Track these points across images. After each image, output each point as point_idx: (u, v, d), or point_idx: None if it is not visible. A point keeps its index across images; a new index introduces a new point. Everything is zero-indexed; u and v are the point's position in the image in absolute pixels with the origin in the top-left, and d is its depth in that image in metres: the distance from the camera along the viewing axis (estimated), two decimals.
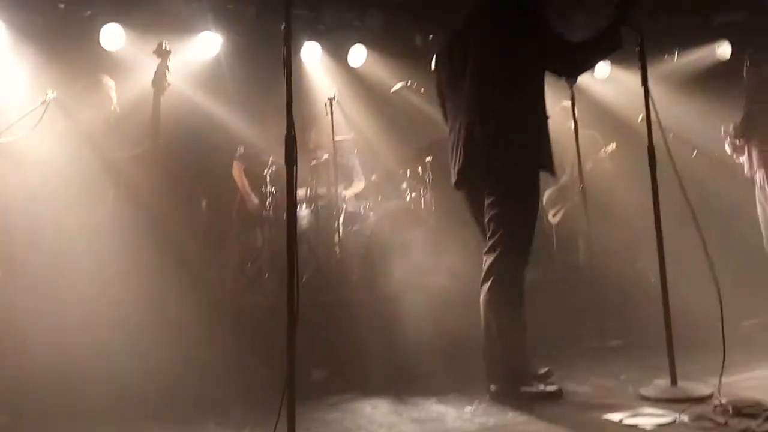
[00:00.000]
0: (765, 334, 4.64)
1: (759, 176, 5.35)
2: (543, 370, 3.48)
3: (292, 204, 2.70)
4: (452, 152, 3.56)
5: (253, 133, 6.31)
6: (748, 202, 5.55)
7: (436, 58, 3.79)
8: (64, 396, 3.66)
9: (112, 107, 5.13)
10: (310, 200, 5.92)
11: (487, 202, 3.43)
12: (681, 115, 6.64)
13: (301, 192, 5.75)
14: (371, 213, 5.98)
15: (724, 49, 7.35)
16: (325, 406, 3.53)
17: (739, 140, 5.43)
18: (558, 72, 3.61)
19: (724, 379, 3.07)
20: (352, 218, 5.94)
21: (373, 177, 6.37)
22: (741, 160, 5.53)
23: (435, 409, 3.36)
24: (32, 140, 4.63)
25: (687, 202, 3.35)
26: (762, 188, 5.34)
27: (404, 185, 6.05)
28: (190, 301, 4.36)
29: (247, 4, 6.21)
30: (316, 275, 5.43)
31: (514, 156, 3.37)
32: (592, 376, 3.77)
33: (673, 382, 3.28)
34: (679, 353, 3.31)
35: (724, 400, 2.87)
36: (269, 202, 5.81)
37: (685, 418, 2.82)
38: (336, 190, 5.83)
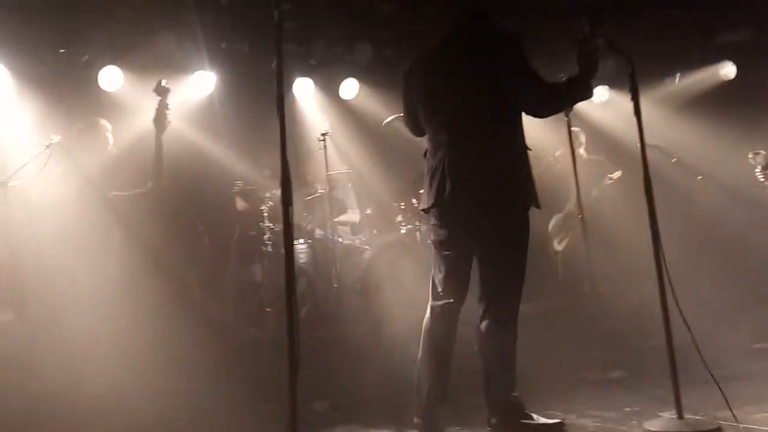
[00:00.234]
0: None
1: None
2: None
3: (289, 243, 2.77)
4: (439, 176, 3.38)
5: (248, 170, 6.42)
6: (760, 225, 5.56)
7: (410, 72, 3.62)
8: (74, 427, 3.77)
9: (109, 148, 5.25)
10: (307, 235, 6.01)
11: (485, 237, 3.35)
12: (685, 138, 6.74)
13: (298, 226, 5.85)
14: (367, 246, 6.08)
15: (728, 70, 7.33)
16: None
17: None
18: (531, 112, 3.52)
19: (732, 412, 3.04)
20: (348, 252, 6.02)
21: (368, 210, 6.45)
22: None
23: None
24: (39, 183, 4.74)
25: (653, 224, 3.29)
26: None
27: (399, 218, 6.09)
28: (193, 335, 4.44)
29: (240, 42, 6.32)
30: (315, 309, 5.50)
31: (518, 192, 3.39)
32: (594, 409, 3.70)
33: (680, 415, 3.17)
34: (683, 384, 3.19)
35: None
36: (267, 238, 5.88)
37: None
38: (331, 225, 5.91)
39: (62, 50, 5.72)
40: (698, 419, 3.18)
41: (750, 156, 5.70)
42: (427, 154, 3.50)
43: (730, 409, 3.09)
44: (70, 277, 4.54)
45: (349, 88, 7.01)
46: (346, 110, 7.09)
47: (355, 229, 6.45)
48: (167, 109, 4.74)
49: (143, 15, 5.57)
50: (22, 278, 4.75)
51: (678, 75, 7.55)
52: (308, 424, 3.31)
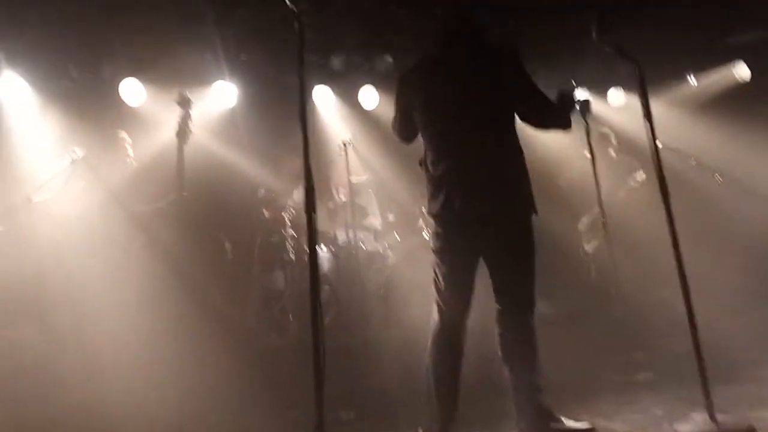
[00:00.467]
0: None
1: None
2: None
3: (313, 251, 2.78)
4: (442, 186, 3.39)
5: (270, 178, 6.47)
6: None
7: (407, 77, 3.62)
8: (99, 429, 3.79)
9: (129, 161, 5.30)
10: (330, 242, 6.03)
11: (490, 245, 3.37)
12: (703, 140, 6.70)
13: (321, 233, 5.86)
14: (390, 252, 6.08)
15: (742, 71, 7.30)
16: None
17: None
18: (533, 123, 3.55)
19: (762, 413, 3.01)
20: (371, 258, 6.03)
21: (390, 216, 6.47)
22: None
23: None
24: (63, 198, 4.82)
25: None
26: None
27: (420, 222, 6.13)
28: (216, 344, 4.47)
29: (260, 54, 6.37)
30: (339, 317, 5.51)
31: (519, 200, 3.41)
32: (623, 412, 3.64)
33: (711, 415, 3.11)
34: (712, 385, 3.14)
35: None
36: (290, 245, 5.91)
37: None
38: (354, 232, 5.93)
39: (83, 66, 5.78)
40: (730, 419, 3.13)
41: None
42: (426, 162, 3.49)
43: None
44: (94, 289, 4.60)
45: (369, 96, 7.04)
46: (365, 118, 7.13)
47: (377, 235, 6.46)
48: (189, 120, 4.78)
49: (163, 29, 5.62)
50: (47, 291, 4.83)
51: (691, 76, 7.51)
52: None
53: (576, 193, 6.50)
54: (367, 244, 6.22)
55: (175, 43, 5.82)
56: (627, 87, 7.50)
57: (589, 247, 6.69)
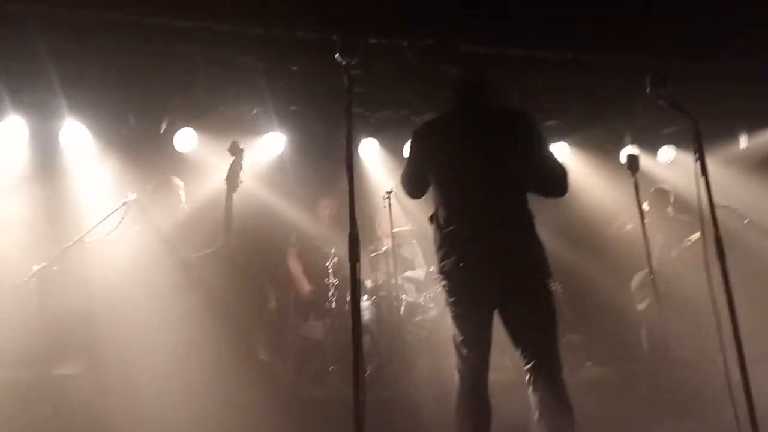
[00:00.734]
0: None
1: None
2: None
3: (355, 300, 2.80)
4: (455, 245, 3.39)
5: (315, 226, 6.54)
6: None
7: (424, 133, 3.64)
8: None
9: (181, 206, 5.42)
10: (372, 292, 6.03)
11: (515, 304, 3.35)
12: (758, 199, 6.60)
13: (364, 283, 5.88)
14: (432, 304, 6.06)
15: None
16: None
17: None
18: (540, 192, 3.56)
19: None
20: (413, 309, 6.01)
21: (432, 268, 6.45)
22: None
23: None
24: (114, 240, 4.94)
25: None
26: None
27: None
28: (258, 392, 4.48)
29: (309, 105, 6.51)
30: (379, 369, 5.47)
31: (541, 264, 3.41)
32: None
33: None
34: None
35: None
36: (332, 294, 5.92)
37: None
38: (396, 281, 5.93)
39: (140, 114, 5.99)
40: None
41: None
42: (438, 219, 3.49)
43: None
44: (140, 331, 4.67)
45: None
46: None
47: (420, 286, 6.45)
48: (240, 168, 4.88)
49: (218, 80, 5.81)
50: (95, 332, 4.92)
51: (742, 136, 7.42)
52: None
53: (628, 249, 6.43)
54: (409, 295, 6.20)
55: (229, 94, 6.01)
56: (677, 143, 7.45)
57: (641, 306, 6.54)
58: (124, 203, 5.19)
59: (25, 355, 4.78)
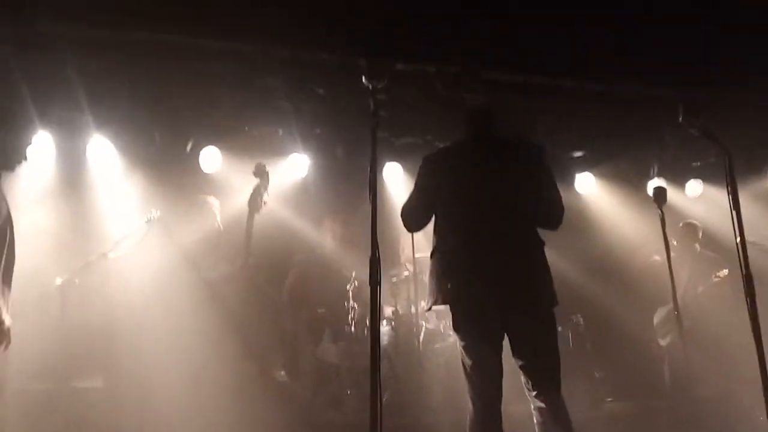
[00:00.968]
0: None
1: None
2: None
3: (375, 323, 2.78)
4: (462, 273, 3.41)
5: (336, 250, 6.53)
6: None
7: (433, 159, 3.69)
8: None
9: (217, 225, 5.44)
10: (391, 317, 5.99)
11: (528, 332, 3.39)
12: None
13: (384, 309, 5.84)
14: (451, 332, 5.98)
15: None
16: None
17: None
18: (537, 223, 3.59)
19: None
20: (432, 336, 5.95)
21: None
22: None
23: None
24: (136, 256, 4.98)
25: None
26: None
27: None
28: (274, 413, 4.47)
29: (334, 128, 6.53)
30: (397, 394, 5.41)
31: (548, 292, 3.44)
32: None
33: None
34: None
35: None
36: (351, 318, 5.89)
37: None
38: (416, 308, 5.89)
39: (168, 133, 6.04)
40: None
41: None
42: (440, 249, 3.49)
43: None
44: (159, 346, 4.69)
45: None
46: None
47: (440, 314, 6.39)
48: (265, 190, 4.89)
49: (244, 102, 5.86)
50: (114, 346, 4.94)
51: None
52: None
53: (653, 283, 6.37)
54: (429, 321, 6.15)
55: (254, 115, 6.06)
56: (704, 178, 7.37)
57: (663, 342, 6.44)
58: (148, 220, 5.25)
59: (44, 366, 4.81)
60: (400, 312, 6.02)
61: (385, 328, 5.97)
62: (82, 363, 4.96)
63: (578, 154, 7.03)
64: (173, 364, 4.57)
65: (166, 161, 6.18)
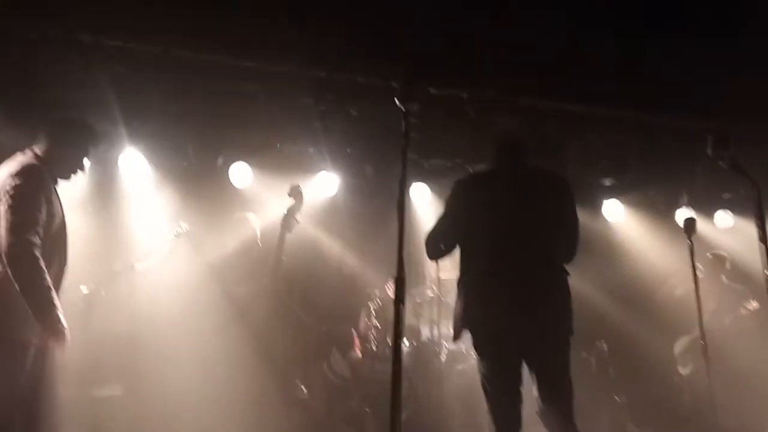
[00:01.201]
0: None
1: None
2: None
3: (397, 342, 2.79)
4: (491, 302, 3.47)
5: (361, 267, 6.56)
6: None
7: (465, 184, 3.73)
8: None
9: (257, 241, 5.48)
10: (413, 336, 5.99)
11: (544, 362, 3.49)
12: None
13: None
14: (473, 353, 5.96)
15: None
16: None
17: None
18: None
19: None
20: (454, 357, 5.94)
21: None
22: None
23: None
24: (164, 268, 5.04)
25: None
26: None
27: None
28: (293, 425, 4.47)
29: (365, 148, 6.59)
30: (416, 414, 5.40)
31: (559, 323, 3.51)
32: None
33: None
34: None
35: None
36: (373, 336, 5.91)
37: None
38: (439, 329, 5.88)
39: (200, 149, 6.13)
40: None
41: None
42: (467, 276, 3.54)
43: None
44: (182, 358, 4.73)
45: None
46: None
47: (463, 336, 6.37)
48: (298, 211, 4.93)
49: (276, 120, 5.93)
50: (138, 357, 4.99)
51: None
52: None
53: (678, 313, 6.31)
54: (450, 343, 6.14)
55: (286, 132, 6.13)
56: (733, 209, 7.31)
57: (684, 371, 6.38)
58: (177, 234, 5.31)
59: (66, 374, 4.87)
60: (423, 332, 6.00)
61: (407, 347, 5.97)
62: (104, 372, 5.02)
63: (608, 182, 7.00)
64: (194, 378, 4.62)
65: (197, 176, 6.25)
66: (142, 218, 5.96)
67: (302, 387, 5.06)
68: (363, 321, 6.24)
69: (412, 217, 6.99)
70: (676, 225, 6.57)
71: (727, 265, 6.54)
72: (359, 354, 6.05)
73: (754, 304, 6.17)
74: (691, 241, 4.97)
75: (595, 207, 7.16)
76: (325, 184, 6.69)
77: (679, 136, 6.24)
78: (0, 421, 3.10)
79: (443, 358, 5.83)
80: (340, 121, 5.99)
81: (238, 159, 6.37)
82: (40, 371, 3.27)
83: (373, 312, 6.01)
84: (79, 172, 3.62)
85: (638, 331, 6.84)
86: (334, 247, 6.70)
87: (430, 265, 6.20)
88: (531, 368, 3.48)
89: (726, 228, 7.33)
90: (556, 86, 5.59)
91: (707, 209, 7.35)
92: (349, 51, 5.00)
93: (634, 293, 7.09)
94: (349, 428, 5.53)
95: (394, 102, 2.89)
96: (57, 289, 3.32)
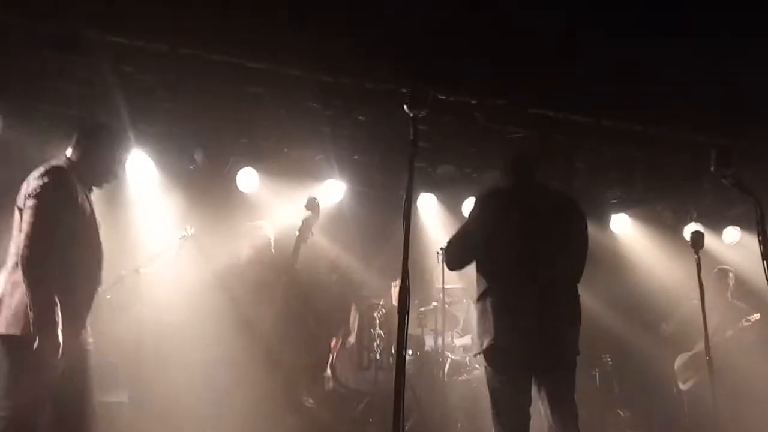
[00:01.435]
0: None
1: None
2: None
3: (401, 352, 2.76)
4: (505, 320, 3.49)
5: (366, 276, 6.53)
6: None
7: (489, 201, 3.71)
8: None
9: (270, 250, 5.46)
10: (416, 346, 5.96)
11: (557, 382, 3.55)
12: None
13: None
14: (477, 364, 5.94)
15: None
16: None
17: None
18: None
19: None
20: (457, 368, 5.91)
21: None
22: None
23: None
24: (169, 271, 5.02)
25: None
26: None
27: None
28: None
29: (372, 155, 6.56)
30: (419, 424, 5.37)
31: (571, 345, 3.59)
32: None
33: None
34: None
35: None
36: (377, 345, 5.88)
37: None
38: (443, 339, 5.85)
39: (207, 153, 6.10)
40: None
41: None
42: (490, 295, 3.52)
43: None
44: (186, 363, 4.71)
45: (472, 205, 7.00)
46: None
47: (466, 348, 6.34)
48: (315, 223, 4.92)
49: (284, 123, 5.92)
50: (142, 362, 4.97)
51: None
52: None
53: (682, 328, 6.30)
54: (454, 353, 6.11)
55: (294, 138, 6.11)
56: (742, 225, 7.27)
57: (684, 386, 6.36)
58: (182, 237, 5.29)
59: None
60: (426, 341, 5.97)
61: (410, 357, 5.94)
62: (108, 376, 4.99)
63: (615, 196, 6.97)
64: (198, 381, 4.60)
65: (204, 179, 6.21)
66: (148, 221, 5.94)
67: (307, 395, 5.03)
68: (350, 324, 6.21)
69: (418, 227, 6.97)
70: (684, 240, 6.54)
71: (731, 282, 6.51)
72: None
73: (755, 316, 6.17)
74: (698, 255, 4.94)
75: (603, 221, 7.13)
76: (332, 192, 6.66)
77: (687, 151, 6.21)
78: (27, 418, 3.07)
79: (447, 368, 5.79)
80: (348, 127, 5.97)
81: (246, 164, 6.35)
82: (74, 373, 3.23)
83: (378, 321, 5.98)
84: (112, 178, 3.60)
85: (643, 346, 6.81)
86: (339, 256, 6.66)
87: (435, 275, 6.16)
88: (542, 386, 3.53)
89: (733, 243, 7.28)
90: (566, 96, 5.58)
91: (716, 225, 7.31)
92: (357, 55, 4.99)
93: (640, 307, 7.05)
94: None
95: (403, 108, 2.87)
96: (84, 296, 3.28)
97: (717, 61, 5.06)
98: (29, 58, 5.02)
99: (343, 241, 6.69)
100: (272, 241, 5.44)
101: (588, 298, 3.70)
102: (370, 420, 5.51)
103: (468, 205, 6.99)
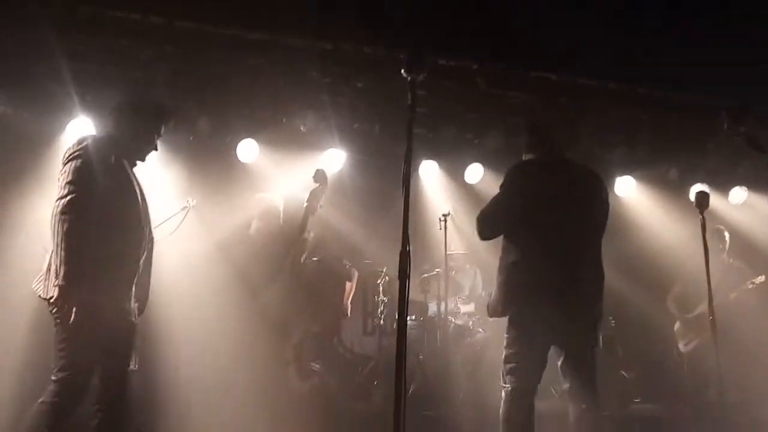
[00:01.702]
0: None
1: None
2: None
3: (403, 317, 2.77)
4: (534, 282, 3.56)
5: (369, 244, 6.53)
6: None
7: (525, 174, 3.73)
8: None
9: (280, 223, 5.47)
10: (420, 312, 5.99)
11: (576, 347, 3.64)
12: None
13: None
14: (480, 328, 5.97)
15: None
16: None
17: None
18: None
19: None
20: (460, 332, 5.94)
21: (483, 293, 6.37)
22: None
23: None
24: (170, 243, 5.01)
25: None
26: None
27: None
28: (300, 401, 4.50)
29: (373, 123, 6.52)
30: (423, 387, 5.42)
31: (594, 310, 3.69)
32: None
33: None
34: None
35: None
36: (381, 311, 5.91)
37: None
38: (446, 304, 5.87)
39: (208, 124, 6.07)
40: None
41: None
42: (520, 263, 3.58)
43: None
44: (190, 335, 4.74)
45: (474, 172, 7.00)
46: (468, 193, 7.07)
47: (471, 315, 6.36)
48: (323, 195, 4.92)
49: (283, 93, 5.88)
50: (147, 330, 4.99)
51: None
52: None
53: (686, 289, 6.30)
54: (457, 318, 6.14)
55: (293, 107, 6.08)
56: (748, 185, 7.22)
57: (684, 348, 6.40)
58: (184, 208, 5.28)
59: None
60: (429, 307, 5.99)
61: (413, 322, 5.97)
62: None
63: (620, 156, 6.93)
64: (202, 354, 4.64)
65: (204, 150, 6.20)
66: (148, 192, 5.92)
67: (313, 361, 5.09)
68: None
69: (419, 194, 6.96)
70: (690, 201, 6.51)
71: (726, 243, 6.47)
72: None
73: (760, 278, 6.17)
74: (702, 216, 4.92)
75: (608, 183, 7.07)
76: (332, 161, 6.63)
77: (693, 113, 6.15)
78: (81, 378, 3.23)
79: (450, 332, 5.82)
80: (347, 95, 5.93)
81: (246, 135, 6.31)
82: (118, 343, 3.34)
83: (381, 288, 6.00)
84: (153, 150, 3.60)
85: (647, 307, 6.83)
86: (342, 224, 6.66)
87: (437, 241, 6.16)
88: (563, 350, 3.62)
89: (740, 203, 7.25)
90: (570, 59, 5.53)
91: (723, 185, 7.26)
92: (356, 20, 4.93)
93: (643, 268, 7.05)
94: (358, 402, 5.56)
95: (401, 73, 2.83)
96: (122, 267, 3.38)
97: (724, 21, 5.00)
98: (22, 33, 4.99)
99: (345, 210, 6.67)
100: (281, 213, 5.44)
101: None
102: (375, 383, 5.57)
103: (471, 171, 6.97)
